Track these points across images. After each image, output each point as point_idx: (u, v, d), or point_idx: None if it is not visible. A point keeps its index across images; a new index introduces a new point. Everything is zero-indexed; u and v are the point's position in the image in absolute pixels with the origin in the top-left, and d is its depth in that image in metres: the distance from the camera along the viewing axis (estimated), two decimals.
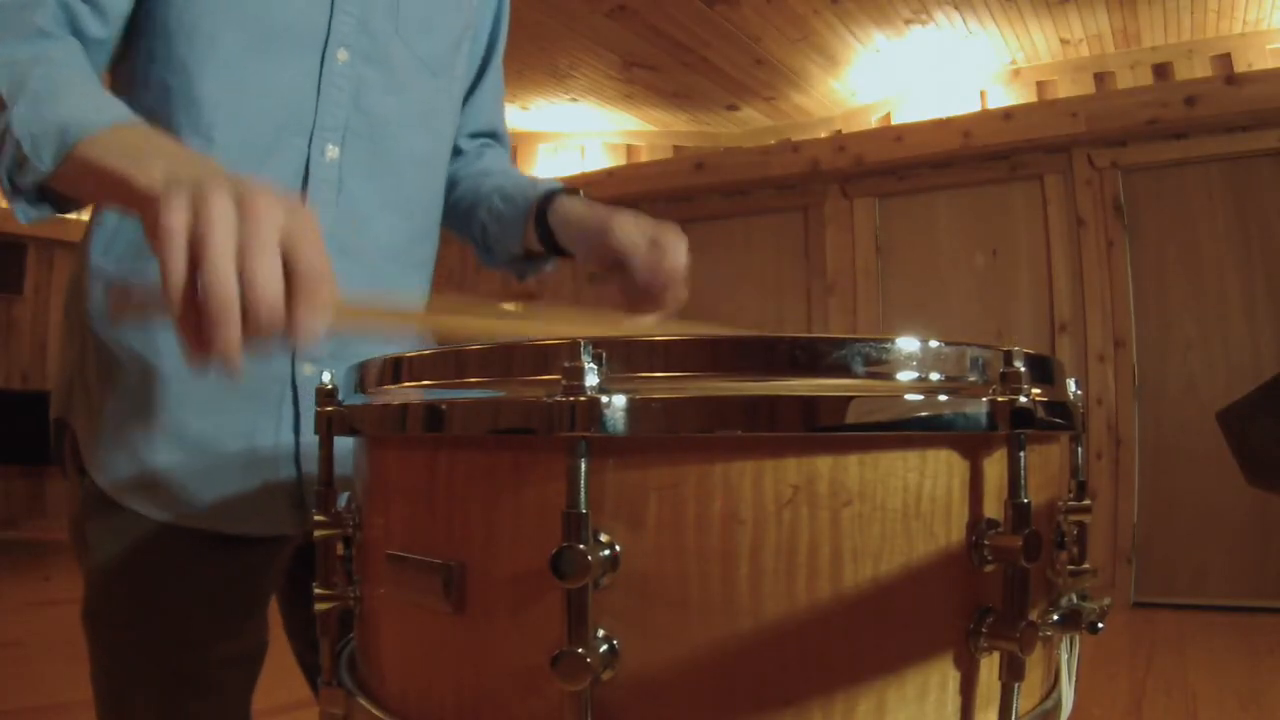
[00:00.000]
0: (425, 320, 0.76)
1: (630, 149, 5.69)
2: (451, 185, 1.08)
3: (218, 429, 0.82)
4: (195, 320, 0.50)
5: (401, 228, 0.92)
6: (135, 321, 0.76)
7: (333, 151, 0.85)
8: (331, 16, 0.84)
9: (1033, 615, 0.49)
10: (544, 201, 0.95)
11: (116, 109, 0.66)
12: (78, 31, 0.75)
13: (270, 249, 0.50)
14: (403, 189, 0.92)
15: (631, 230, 0.86)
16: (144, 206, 0.56)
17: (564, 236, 0.94)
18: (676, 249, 0.85)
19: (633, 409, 0.44)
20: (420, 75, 0.92)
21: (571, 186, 0.98)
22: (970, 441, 0.49)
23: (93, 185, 0.64)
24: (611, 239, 0.86)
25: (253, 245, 0.50)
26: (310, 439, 0.83)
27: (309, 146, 0.84)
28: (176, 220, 0.50)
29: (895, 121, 4.85)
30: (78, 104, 0.64)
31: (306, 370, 0.85)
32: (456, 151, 1.09)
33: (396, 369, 0.56)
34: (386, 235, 0.90)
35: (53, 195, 0.68)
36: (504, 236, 1.01)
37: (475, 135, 1.11)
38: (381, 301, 0.73)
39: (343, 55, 0.85)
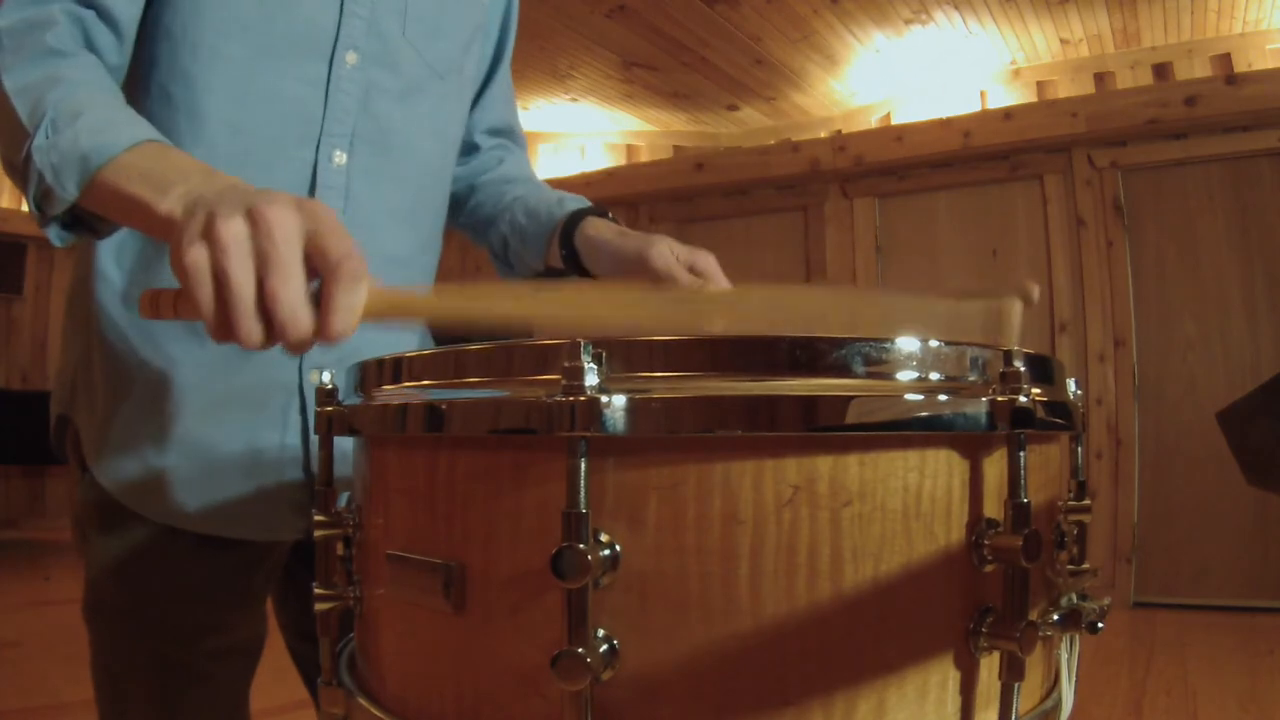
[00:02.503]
0: (467, 306, 0.72)
1: (630, 149, 5.68)
2: (470, 190, 1.07)
3: (222, 435, 0.82)
4: (224, 335, 0.52)
5: (408, 237, 0.91)
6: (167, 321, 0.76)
7: (340, 157, 0.84)
8: (341, 18, 0.83)
9: (1033, 615, 0.49)
10: (570, 221, 0.93)
11: (135, 127, 0.65)
12: (91, 45, 0.73)
13: (287, 262, 0.51)
14: (410, 197, 0.91)
15: (670, 258, 0.85)
16: (166, 235, 0.57)
17: (591, 259, 0.92)
18: (718, 275, 0.85)
19: (633, 409, 0.44)
20: (428, 79, 0.91)
21: (599, 206, 0.96)
22: (970, 441, 0.49)
23: (117, 210, 0.64)
24: (651, 267, 0.85)
25: (269, 262, 0.51)
26: None
27: (316, 153, 0.83)
28: (194, 257, 0.51)
29: (895, 121, 4.85)
30: (96, 127, 0.64)
31: (314, 378, 0.84)
32: (472, 148, 1.07)
33: (396, 369, 0.56)
34: (393, 244, 0.89)
35: (87, 218, 0.68)
36: (525, 252, 0.99)
37: (490, 132, 1.09)
38: (415, 292, 0.71)
39: (352, 58, 0.84)
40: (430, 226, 0.96)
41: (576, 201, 0.98)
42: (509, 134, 1.11)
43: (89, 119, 0.64)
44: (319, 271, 0.53)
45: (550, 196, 1.00)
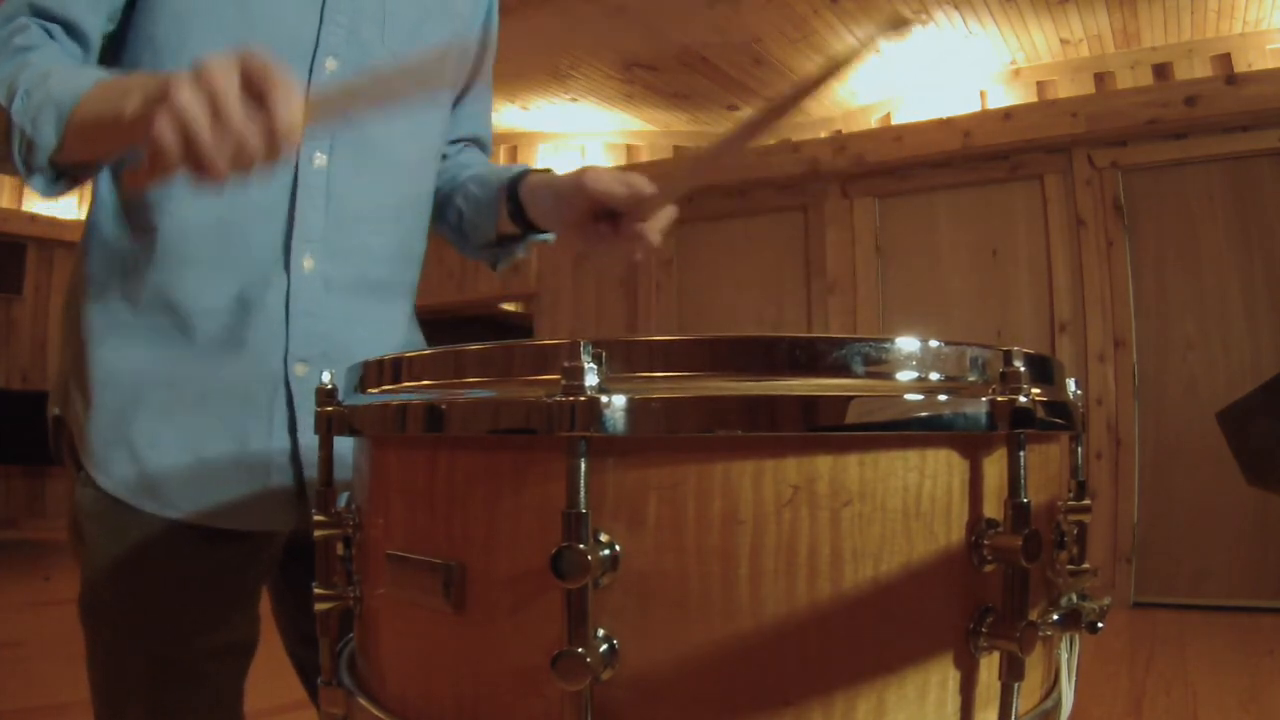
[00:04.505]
0: (394, 82, 0.76)
1: (630, 149, 5.69)
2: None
3: (210, 430, 0.83)
4: (204, 174, 0.62)
5: (391, 231, 0.93)
6: (156, 188, 0.82)
7: (321, 160, 0.86)
8: (321, 25, 0.85)
9: (1033, 615, 0.49)
10: (515, 180, 0.97)
11: (96, 72, 0.72)
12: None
13: (231, 94, 0.61)
14: (392, 193, 0.92)
15: (604, 175, 0.87)
16: (136, 133, 0.64)
17: (536, 209, 0.95)
18: (648, 183, 0.86)
19: (633, 409, 0.44)
20: None
21: (544, 168, 0.99)
22: (970, 441, 0.49)
23: (94, 138, 0.70)
24: (586, 189, 0.87)
25: (217, 97, 0.61)
26: (307, 439, 0.84)
27: (297, 155, 0.84)
28: (162, 126, 0.61)
29: (895, 121, 4.85)
30: (65, 79, 0.72)
31: (299, 371, 0.85)
32: (440, 158, 1.08)
33: (396, 369, 0.57)
34: (376, 239, 0.91)
35: (68, 168, 0.75)
36: (478, 220, 1.02)
37: (457, 140, 1.10)
38: (349, 87, 0.81)
39: (331, 65, 0.85)
40: (413, 225, 0.97)
41: (523, 166, 1.01)
42: (476, 141, 1.13)
43: (57, 76, 0.72)
44: (255, 86, 0.62)
45: (499, 167, 1.04)
